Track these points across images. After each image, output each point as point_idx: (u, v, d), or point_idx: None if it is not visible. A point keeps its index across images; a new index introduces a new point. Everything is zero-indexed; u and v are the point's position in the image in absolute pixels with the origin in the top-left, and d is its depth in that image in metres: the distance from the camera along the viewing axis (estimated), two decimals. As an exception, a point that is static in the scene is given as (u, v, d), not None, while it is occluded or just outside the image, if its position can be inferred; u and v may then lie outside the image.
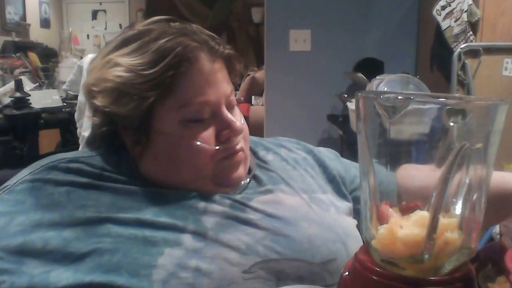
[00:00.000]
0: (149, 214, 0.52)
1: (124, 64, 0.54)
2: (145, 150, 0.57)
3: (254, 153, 0.65)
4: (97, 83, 0.56)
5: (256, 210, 0.55)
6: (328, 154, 0.72)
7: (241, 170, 0.58)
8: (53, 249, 0.48)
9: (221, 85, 0.57)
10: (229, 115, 0.57)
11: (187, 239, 0.50)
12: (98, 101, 0.55)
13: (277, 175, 0.62)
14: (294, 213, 0.56)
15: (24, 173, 0.55)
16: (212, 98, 0.55)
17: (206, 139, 0.55)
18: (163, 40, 0.53)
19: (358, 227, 0.62)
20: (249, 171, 0.62)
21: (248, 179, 0.61)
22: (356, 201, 0.66)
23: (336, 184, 0.66)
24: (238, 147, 0.57)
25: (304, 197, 0.59)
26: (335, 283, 0.52)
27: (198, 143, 0.54)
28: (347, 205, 0.64)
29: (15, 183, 0.54)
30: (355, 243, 0.58)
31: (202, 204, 0.54)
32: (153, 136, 0.55)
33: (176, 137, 0.54)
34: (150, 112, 0.54)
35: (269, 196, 0.58)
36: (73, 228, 0.50)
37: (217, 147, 0.55)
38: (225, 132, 0.56)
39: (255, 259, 0.50)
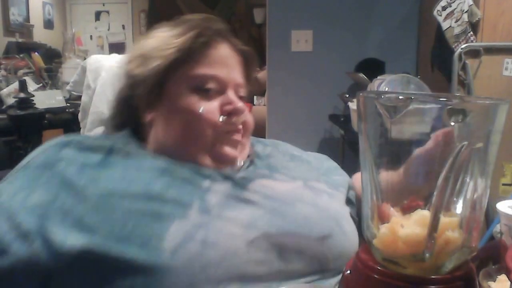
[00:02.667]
0: (157, 187, 0.54)
1: (158, 36, 0.64)
2: (156, 115, 0.62)
3: (252, 146, 0.69)
4: (132, 54, 0.65)
5: (254, 191, 0.58)
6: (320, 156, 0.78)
7: (237, 152, 0.62)
8: (70, 222, 0.51)
9: (233, 70, 0.64)
10: (234, 96, 0.62)
11: (194, 214, 0.52)
12: (128, 67, 0.64)
13: (273, 164, 0.66)
14: (289, 195, 0.59)
15: (37, 152, 0.59)
16: (222, 75, 0.62)
17: (210, 109, 0.60)
18: (195, 20, 0.64)
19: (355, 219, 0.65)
20: (248, 157, 0.66)
21: (249, 162, 0.64)
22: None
23: (330, 175, 0.69)
24: (238, 127, 0.62)
25: (298, 183, 0.63)
26: (335, 260, 0.56)
27: (201, 109, 0.59)
28: (340, 195, 0.66)
29: (29, 161, 0.57)
30: (349, 224, 0.61)
31: (206, 183, 0.56)
32: (164, 100, 0.61)
33: (184, 102, 0.60)
34: (166, 75, 0.61)
35: (266, 180, 0.61)
36: (86, 202, 0.52)
37: (219, 118, 0.60)
38: (227, 107, 0.61)
39: (256, 232, 0.53)
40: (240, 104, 0.62)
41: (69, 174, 0.55)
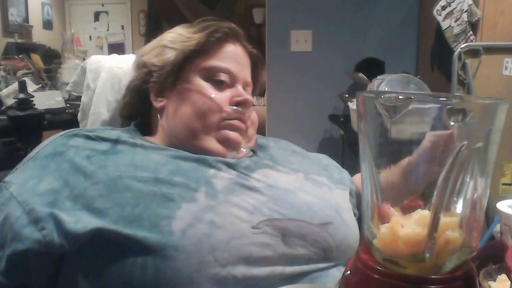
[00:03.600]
0: (164, 173, 0.55)
1: (176, 32, 0.69)
2: (167, 102, 0.65)
3: (256, 140, 0.72)
4: (149, 47, 0.69)
5: (258, 180, 0.59)
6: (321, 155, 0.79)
7: (240, 137, 0.65)
8: (80, 207, 0.52)
9: (244, 69, 0.68)
10: (242, 90, 0.66)
11: (201, 197, 0.54)
12: (145, 57, 0.68)
13: (275, 156, 0.68)
14: (291, 185, 0.61)
15: (46, 142, 0.60)
16: (234, 70, 0.66)
17: (221, 98, 0.64)
18: (212, 20, 0.69)
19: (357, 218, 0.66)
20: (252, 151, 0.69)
21: (251, 153, 0.67)
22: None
23: (330, 171, 0.71)
24: (245, 117, 0.65)
25: (299, 175, 0.65)
26: (338, 247, 0.57)
27: (213, 95, 0.63)
28: (340, 191, 0.67)
29: (38, 152, 0.59)
30: (349, 216, 0.62)
31: (212, 171, 0.58)
32: (177, 87, 0.65)
33: (197, 88, 0.64)
34: (182, 65, 0.65)
35: (268, 170, 0.63)
36: (96, 186, 0.53)
37: (228, 108, 0.63)
38: (237, 98, 0.65)
39: (261, 217, 0.54)
40: (249, 96, 0.65)
41: (78, 160, 0.56)
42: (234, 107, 0.64)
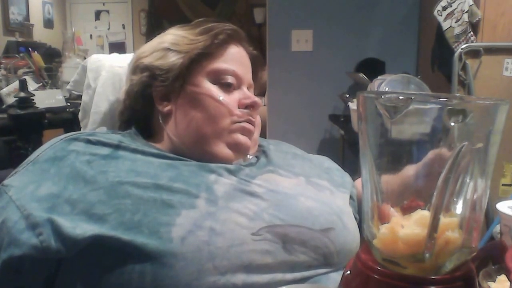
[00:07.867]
0: (165, 179, 0.55)
1: (176, 34, 0.67)
2: (174, 106, 0.64)
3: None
4: (148, 50, 0.67)
5: (259, 185, 0.59)
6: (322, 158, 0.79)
7: (249, 141, 0.65)
8: (79, 212, 0.51)
9: (248, 70, 0.69)
10: (250, 93, 0.67)
11: (201, 203, 0.54)
12: (146, 60, 0.66)
13: (277, 160, 0.68)
14: (292, 190, 0.61)
15: (46, 146, 0.60)
16: (240, 72, 0.66)
17: (230, 101, 0.64)
18: (212, 22, 0.68)
19: (357, 220, 0.66)
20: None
21: (256, 157, 0.67)
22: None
23: (331, 174, 0.70)
24: (254, 119, 0.66)
25: (301, 179, 0.64)
26: (338, 253, 0.57)
27: (221, 98, 0.63)
28: (341, 195, 0.67)
29: (38, 155, 0.58)
30: (351, 221, 0.62)
31: (212, 177, 0.58)
32: (184, 90, 0.64)
33: (206, 91, 0.63)
34: (188, 68, 0.64)
35: (270, 174, 0.63)
36: (96, 191, 0.53)
37: (237, 111, 0.63)
38: (246, 100, 0.65)
39: (262, 224, 0.54)
40: (257, 98, 0.66)
41: (78, 165, 0.55)
42: (244, 110, 0.64)
